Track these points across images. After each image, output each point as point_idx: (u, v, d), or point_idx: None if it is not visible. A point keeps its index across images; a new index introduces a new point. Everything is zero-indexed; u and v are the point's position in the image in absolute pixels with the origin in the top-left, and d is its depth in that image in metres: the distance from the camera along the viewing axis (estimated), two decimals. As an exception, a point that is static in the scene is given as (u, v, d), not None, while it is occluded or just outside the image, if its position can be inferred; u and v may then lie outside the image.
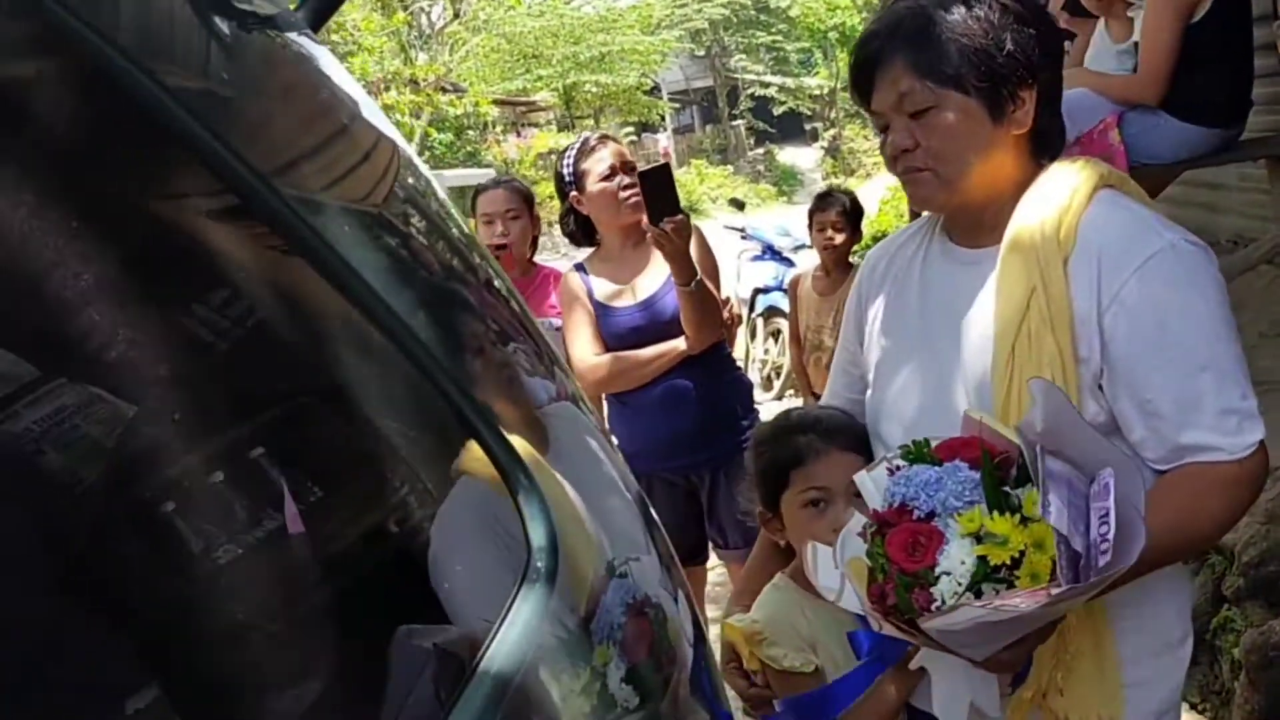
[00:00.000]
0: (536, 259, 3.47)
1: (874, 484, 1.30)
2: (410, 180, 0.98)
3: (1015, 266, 1.39)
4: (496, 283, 1.05)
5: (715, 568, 3.43)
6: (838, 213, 4.07)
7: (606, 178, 2.86)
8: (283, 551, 0.68)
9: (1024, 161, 1.44)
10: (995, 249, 1.43)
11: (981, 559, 1.18)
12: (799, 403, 6.89)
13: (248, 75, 0.88)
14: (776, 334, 7.77)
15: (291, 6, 1.05)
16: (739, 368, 3.23)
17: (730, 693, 1.47)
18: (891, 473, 1.28)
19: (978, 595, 1.18)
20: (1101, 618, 1.39)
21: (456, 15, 26.06)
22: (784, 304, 7.71)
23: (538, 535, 0.75)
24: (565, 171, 2.95)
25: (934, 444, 1.29)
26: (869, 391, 1.59)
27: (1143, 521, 1.15)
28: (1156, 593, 1.41)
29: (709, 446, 2.91)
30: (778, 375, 7.70)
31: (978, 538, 1.19)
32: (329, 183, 0.89)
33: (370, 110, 0.98)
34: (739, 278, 7.92)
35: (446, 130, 23.41)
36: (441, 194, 1.05)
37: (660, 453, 2.93)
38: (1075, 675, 1.39)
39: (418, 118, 21.67)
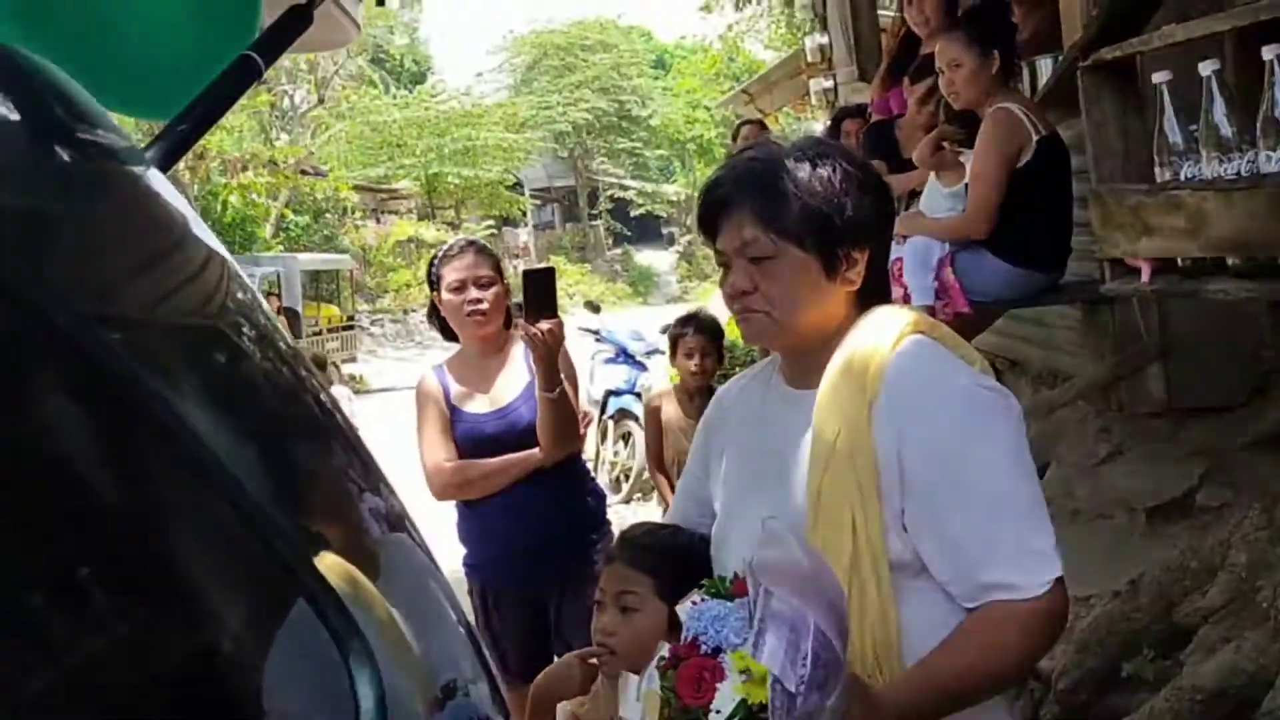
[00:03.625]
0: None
1: (683, 617, 1.33)
2: (239, 294, 0.97)
3: (828, 408, 1.46)
4: (323, 396, 1.03)
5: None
6: (704, 338, 4.13)
7: (456, 289, 2.85)
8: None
9: (851, 312, 1.52)
10: (817, 391, 1.49)
11: (743, 699, 1.20)
12: (650, 505, 6.92)
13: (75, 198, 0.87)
14: (627, 436, 7.84)
15: (141, 146, 1.04)
16: (594, 480, 3.22)
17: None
18: (694, 605, 1.31)
19: None
20: None
21: (321, 100, 25.92)
22: (635, 407, 7.83)
23: (366, 698, 0.73)
24: (432, 270, 2.94)
25: (739, 578, 1.32)
26: (714, 525, 1.64)
27: (841, 658, 1.19)
28: None
29: (558, 561, 2.85)
30: (626, 478, 7.74)
31: (747, 675, 1.21)
32: (153, 301, 0.88)
33: (198, 226, 0.98)
34: (592, 379, 8.02)
35: (304, 213, 23.11)
36: (266, 307, 1.05)
37: (508, 565, 2.89)
38: None
39: (275, 199, 21.32)
